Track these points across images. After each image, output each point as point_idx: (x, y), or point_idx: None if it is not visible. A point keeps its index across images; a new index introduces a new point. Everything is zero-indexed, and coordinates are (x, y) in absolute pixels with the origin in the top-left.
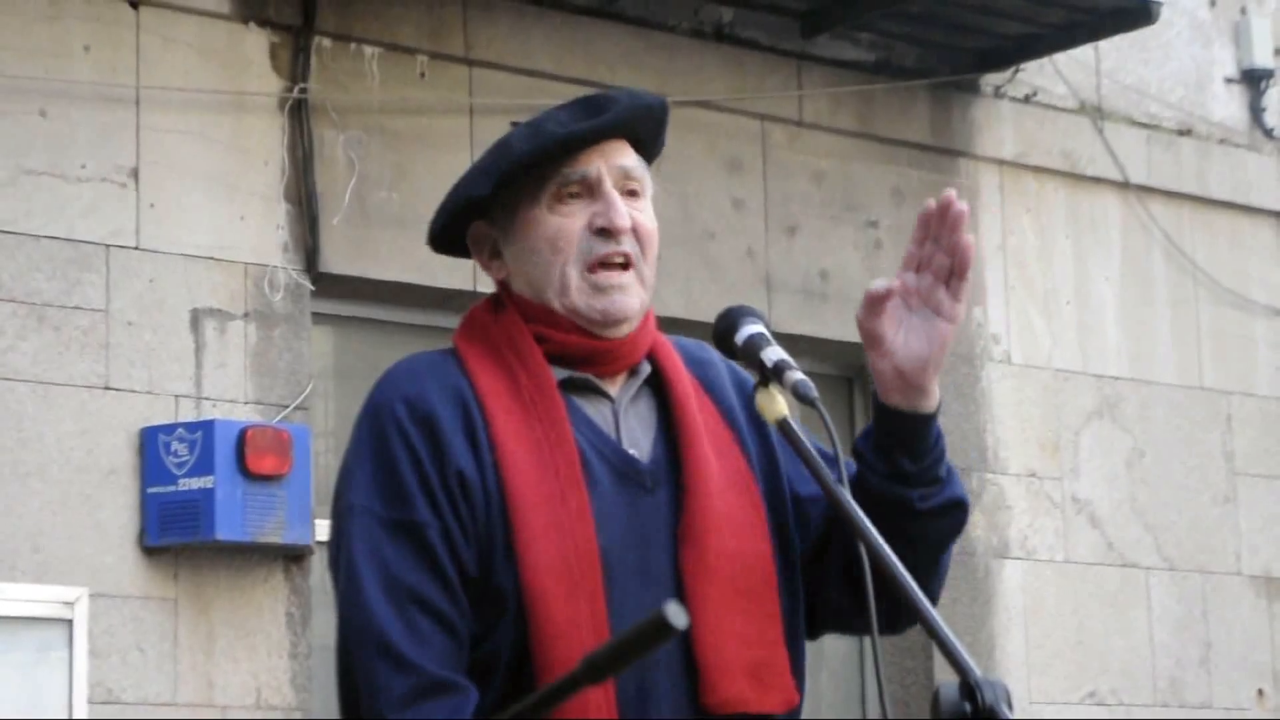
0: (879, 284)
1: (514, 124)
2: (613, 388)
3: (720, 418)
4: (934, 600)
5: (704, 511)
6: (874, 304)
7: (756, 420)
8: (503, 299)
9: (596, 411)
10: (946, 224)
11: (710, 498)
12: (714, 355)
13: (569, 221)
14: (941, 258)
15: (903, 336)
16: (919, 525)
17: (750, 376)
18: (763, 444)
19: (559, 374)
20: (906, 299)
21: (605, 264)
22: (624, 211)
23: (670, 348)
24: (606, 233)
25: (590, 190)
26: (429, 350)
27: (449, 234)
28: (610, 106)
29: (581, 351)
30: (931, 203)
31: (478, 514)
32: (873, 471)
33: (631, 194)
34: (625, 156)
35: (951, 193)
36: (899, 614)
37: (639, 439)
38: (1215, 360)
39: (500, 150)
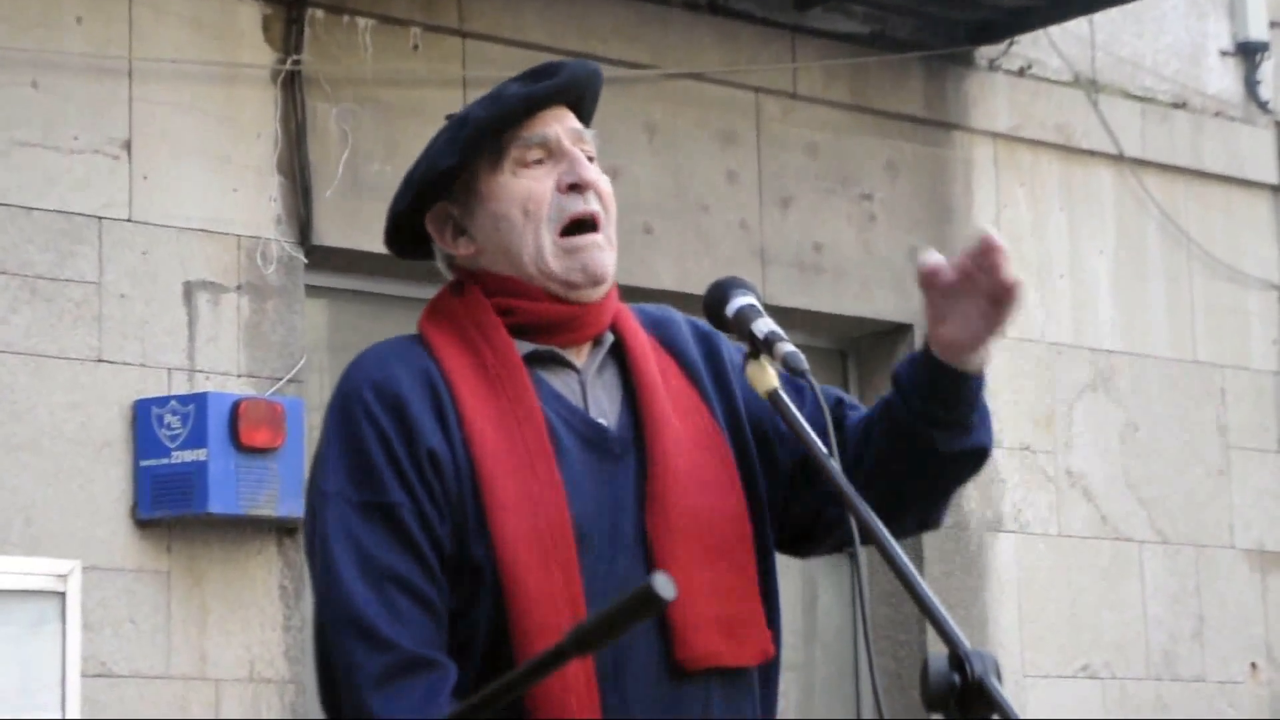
0: (930, 260)
1: (448, 117)
2: (578, 359)
3: (683, 376)
4: (939, 521)
5: (667, 473)
6: (926, 277)
7: (716, 365)
8: (463, 281)
9: (563, 383)
10: (985, 266)
11: (671, 458)
12: (674, 314)
13: (537, 184)
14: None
15: (956, 312)
16: (937, 464)
17: (709, 326)
18: (724, 391)
19: (524, 348)
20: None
21: (575, 226)
22: (590, 166)
23: (630, 316)
24: (576, 188)
25: (551, 152)
26: (395, 337)
27: (404, 229)
28: (562, 69)
29: (551, 318)
30: (983, 238)
31: (450, 491)
32: (905, 404)
33: (587, 158)
34: (574, 120)
35: (990, 235)
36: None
37: (605, 408)
38: (1209, 334)
39: (457, 126)
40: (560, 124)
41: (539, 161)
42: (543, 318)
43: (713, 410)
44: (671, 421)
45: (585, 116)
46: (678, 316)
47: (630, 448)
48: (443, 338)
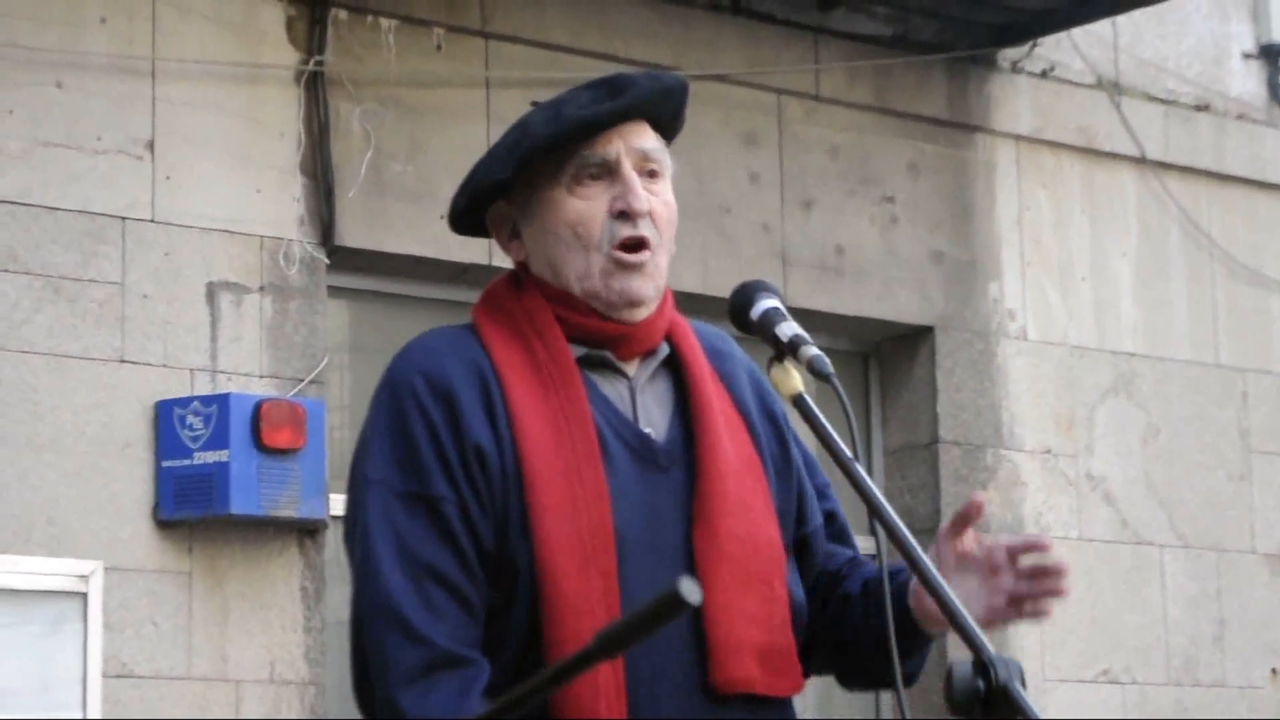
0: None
1: (534, 104)
2: (630, 367)
3: (734, 407)
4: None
5: (717, 493)
6: (958, 529)
7: (773, 421)
8: (522, 278)
9: (613, 390)
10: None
11: (723, 480)
12: (734, 349)
13: (590, 205)
14: (1017, 586)
15: (961, 584)
16: (880, 668)
17: (766, 378)
18: (780, 447)
19: (577, 351)
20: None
21: (624, 246)
22: (643, 195)
23: (689, 330)
24: (625, 215)
25: (610, 172)
26: (447, 325)
27: (470, 216)
28: (630, 89)
29: (600, 335)
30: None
31: (494, 488)
32: (868, 631)
33: (651, 175)
34: (644, 138)
35: (1046, 543)
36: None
37: (655, 418)
38: (1231, 337)
39: (520, 132)
40: (625, 142)
41: (596, 178)
42: (592, 334)
43: (758, 445)
44: (723, 441)
45: (665, 126)
46: (738, 353)
47: (678, 461)
48: (497, 332)
